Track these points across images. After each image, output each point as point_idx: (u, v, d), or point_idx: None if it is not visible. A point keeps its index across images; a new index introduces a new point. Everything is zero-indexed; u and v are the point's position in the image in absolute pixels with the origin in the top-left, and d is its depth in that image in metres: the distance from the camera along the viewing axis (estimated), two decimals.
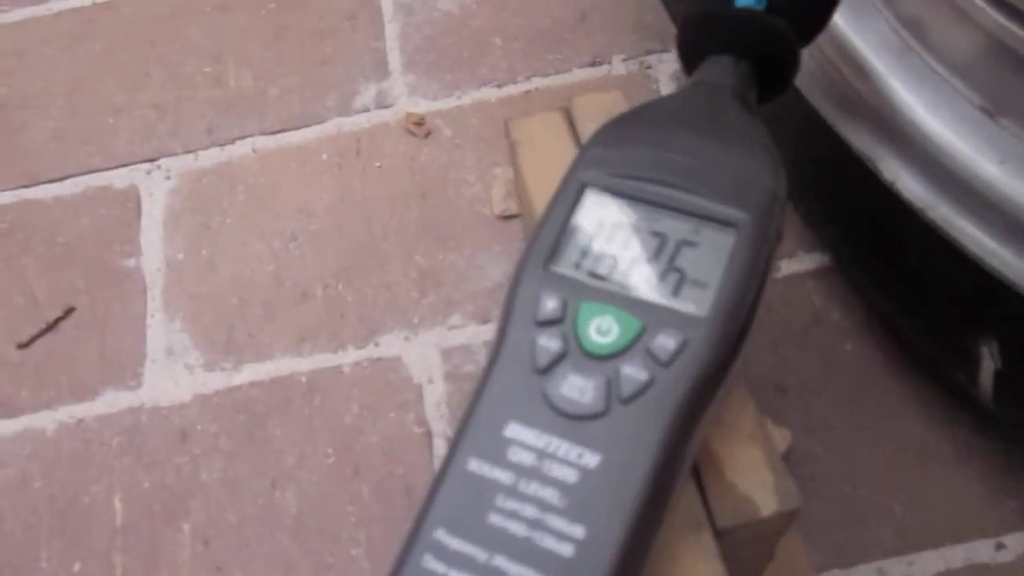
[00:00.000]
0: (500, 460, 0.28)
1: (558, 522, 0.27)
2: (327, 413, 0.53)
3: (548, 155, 0.40)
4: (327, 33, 0.68)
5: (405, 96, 0.65)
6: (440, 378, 0.54)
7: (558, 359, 0.29)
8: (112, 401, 0.55)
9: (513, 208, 0.58)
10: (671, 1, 0.55)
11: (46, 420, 0.55)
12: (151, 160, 0.64)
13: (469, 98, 0.64)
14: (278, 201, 0.61)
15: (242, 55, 0.68)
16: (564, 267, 0.31)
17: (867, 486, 0.48)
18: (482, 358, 0.54)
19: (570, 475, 0.27)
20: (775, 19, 0.36)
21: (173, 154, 0.64)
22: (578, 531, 0.26)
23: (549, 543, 0.26)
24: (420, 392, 0.53)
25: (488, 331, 0.55)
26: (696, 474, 0.32)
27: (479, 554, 0.26)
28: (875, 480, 0.48)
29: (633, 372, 0.28)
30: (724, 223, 0.31)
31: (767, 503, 0.31)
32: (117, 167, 0.64)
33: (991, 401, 0.42)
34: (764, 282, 0.31)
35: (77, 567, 0.50)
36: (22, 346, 0.58)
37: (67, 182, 0.64)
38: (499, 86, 0.64)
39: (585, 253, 0.31)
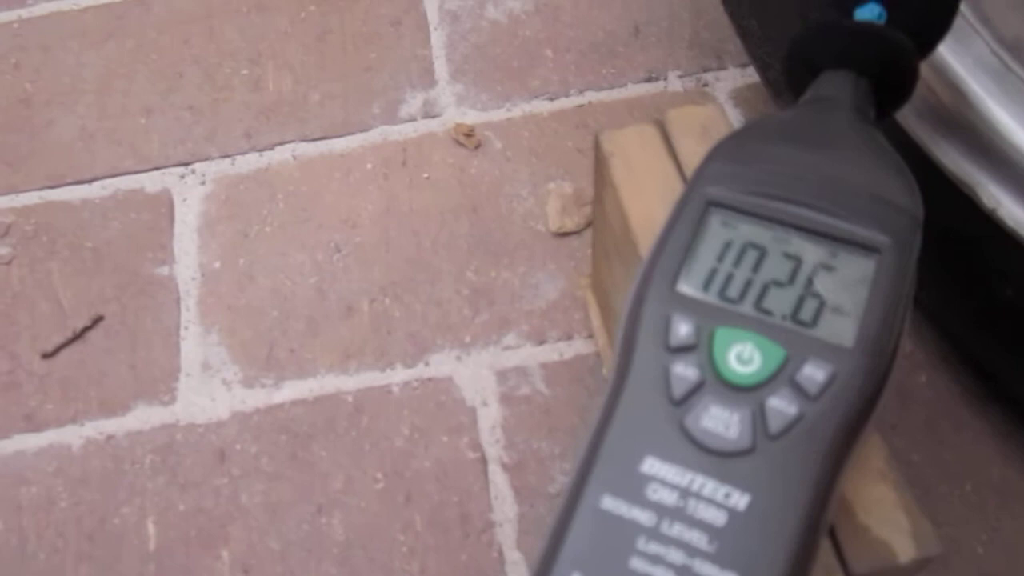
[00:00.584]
0: (638, 498, 0.26)
1: (709, 568, 0.24)
2: (375, 435, 0.50)
3: (645, 169, 0.38)
4: (371, 39, 0.66)
5: (453, 106, 0.62)
6: (495, 401, 0.51)
7: (695, 389, 0.27)
8: (144, 417, 0.52)
9: (569, 225, 0.56)
10: (740, 17, 0.54)
11: (73, 435, 0.52)
12: (185, 164, 0.61)
13: (520, 110, 0.62)
14: (320, 210, 0.59)
15: (282, 58, 0.66)
16: (692, 288, 0.29)
17: (948, 525, 0.46)
18: (539, 381, 0.52)
19: (718, 517, 0.25)
20: (897, 33, 0.34)
21: (209, 158, 0.62)
22: None
23: None
24: (474, 415, 0.51)
25: (544, 353, 0.52)
26: None
27: None
28: (956, 518, 0.46)
29: (781, 406, 0.26)
30: (864, 247, 0.29)
31: (904, 548, 0.29)
32: (149, 170, 0.61)
33: None
34: (908, 312, 0.29)
35: None
36: (47, 355, 0.54)
37: (95, 184, 0.61)
38: (551, 99, 0.62)
39: (713, 274, 0.29)
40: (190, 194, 0.60)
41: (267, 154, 0.61)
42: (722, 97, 0.61)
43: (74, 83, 0.66)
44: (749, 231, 0.30)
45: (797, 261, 0.29)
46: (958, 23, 0.44)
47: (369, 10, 0.67)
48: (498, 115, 0.62)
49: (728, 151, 0.32)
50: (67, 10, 0.70)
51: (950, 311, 0.47)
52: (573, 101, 0.62)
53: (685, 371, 0.27)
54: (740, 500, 0.25)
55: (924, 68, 0.44)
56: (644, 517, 0.25)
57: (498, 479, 0.49)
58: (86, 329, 0.55)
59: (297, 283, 0.56)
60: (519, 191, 0.58)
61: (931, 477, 0.47)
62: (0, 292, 0.57)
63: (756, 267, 0.29)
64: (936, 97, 0.43)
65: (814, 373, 0.27)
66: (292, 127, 0.62)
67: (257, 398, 0.52)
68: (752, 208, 0.30)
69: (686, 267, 0.29)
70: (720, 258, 0.30)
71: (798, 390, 0.27)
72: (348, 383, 0.52)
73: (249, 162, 0.61)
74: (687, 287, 0.29)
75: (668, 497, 0.26)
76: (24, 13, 0.70)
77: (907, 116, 0.44)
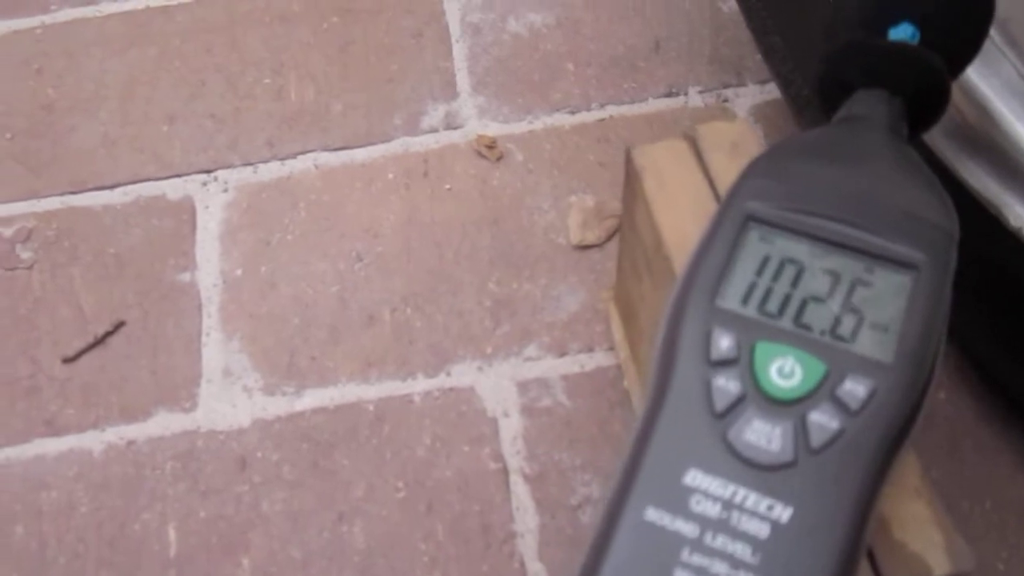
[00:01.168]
0: (682, 510, 0.26)
1: None
2: (397, 444, 0.51)
3: (677, 184, 0.38)
4: (393, 50, 0.66)
5: (475, 118, 0.63)
6: (516, 412, 0.51)
7: (737, 402, 0.27)
8: (165, 423, 0.52)
9: (591, 238, 0.56)
10: (764, 34, 0.54)
11: (93, 441, 0.52)
12: (207, 171, 0.62)
13: (541, 123, 0.62)
14: (342, 220, 0.59)
15: (304, 68, 0.66)
16: (731, 302, 0.29)
17: (969, 543, 0.46)
18: (560, 392, 0.52)
19: (762, 529, 0.25)
20: (930, 54, 0.35)
21: (231, 166, 0.62)
22: None
23: None
24: (495, 426, 0.51)
25: (565, 364, 0.53)
26: None
27: None
28: (976, 536, 0.46)
29: (823, 420, 0.27)
30: (901, 263, 0.30)
31: (940, 564, 0.29)
32: (171, 177, 0.62)
33: None
34: (945, 328, 0.30)
35: None
36: (68, 360, 0.55)
37: (117, 190, 0.61)
38: (572, 112, 0.63)
39: (752, 288, 0.30)
40: (212, 201, 0.61)
41: (289, 163, 0.62)
42: (742, 113, 0.62)
43: (97, 89, 0.66)
44: (787, 246, 0.30)
45: (835, 277, 0.30)
46: (986, 45, 0.44)
47: (391, 22, 0.68)
48: (519, 128, 0.62)
49: (765, 167, 0.32)
50: (90, 17, 0.70)
51: (974, 332, 0.47)
52: (594, 115, 0.62)
53: (727, 384, 0.27)
54: (783, 513, 0.25)
55: (952, 89, 0.45)
56: (688, 529, 0.26)
57: (519, 490, 0.49)
58: (108, 335, 0.55)
59: (319, 291, 0.56)
60: (540, 204, 0.59)
61: (952, 495, 0.47)
62: (22, 297, 0.57)
63: (794, 282, 0.30)
64: (963, 117, 0.43)
65: (855, 388, 0.27)
66: (314, 136, 0.63)
67: (278, 406, 0.52)
68: (790, 224, 0.31)
69: (725, 281, 0.30)
70: (759, 273, 0.30)
71: (839, 405, 0.27)
72: (369, 392, 0.52)
73: (271, 170, 0.62)
74: (726, 301, 0.29)
75: (711, 509, 0.26)
76: (47, 19, 0.70)
77: (934, 136, 0.44)
